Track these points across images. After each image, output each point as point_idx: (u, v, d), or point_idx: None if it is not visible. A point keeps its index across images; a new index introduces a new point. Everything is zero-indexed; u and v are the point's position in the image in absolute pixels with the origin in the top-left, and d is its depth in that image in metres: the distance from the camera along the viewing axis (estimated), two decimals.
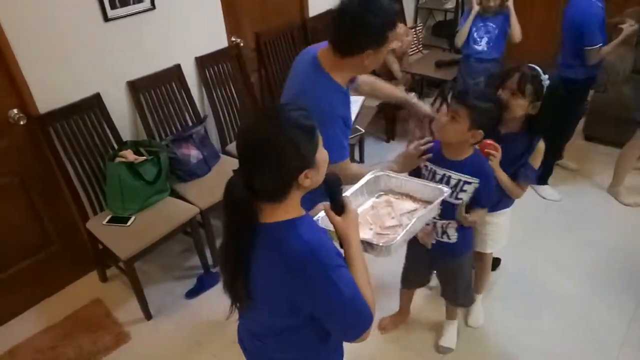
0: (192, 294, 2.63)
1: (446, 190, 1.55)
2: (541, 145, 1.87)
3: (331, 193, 1.18)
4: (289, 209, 1.09)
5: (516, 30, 3.02)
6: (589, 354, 2.19)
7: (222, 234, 1.12)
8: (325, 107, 1.59)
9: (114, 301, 2.61)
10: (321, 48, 1.68)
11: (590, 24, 2.65)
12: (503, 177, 1.88)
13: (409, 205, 1.57)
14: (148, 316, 2.50)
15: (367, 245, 1.34)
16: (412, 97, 2.01)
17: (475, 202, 1.77)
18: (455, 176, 1.74)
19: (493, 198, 1.82)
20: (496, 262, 2.61)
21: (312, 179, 1.07)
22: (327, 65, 1.64)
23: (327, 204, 1.20)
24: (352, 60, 1.59)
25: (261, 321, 1.22)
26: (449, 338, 2.27)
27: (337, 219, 1.16)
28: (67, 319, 2.52)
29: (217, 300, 2.58)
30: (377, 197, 1.64)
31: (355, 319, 1.09)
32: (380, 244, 1.34)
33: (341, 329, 1.13)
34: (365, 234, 1.44)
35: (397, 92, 2.08)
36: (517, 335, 2.30)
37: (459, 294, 2.14)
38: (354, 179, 1.61)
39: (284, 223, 1.07)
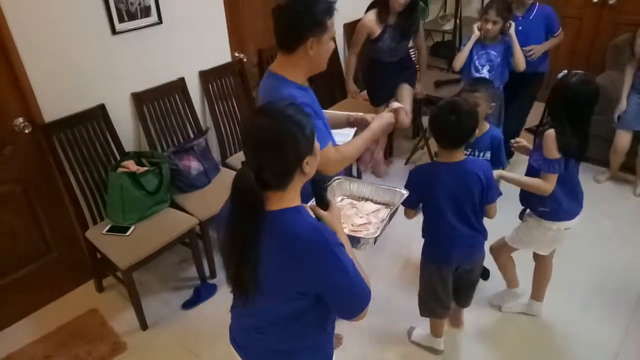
0: (188, 305, 2.63)
1: (405, 192, 1.75)
2: (548, 132, 1.92)
3: (317, 191, 1.30)
4: (292, 197, 1.19)
5: (519, 59, 2.98)
6: None
7: (226, 226, 1.16)
8: (282, 99, 1.65)
9: (110, 311, 2.61)
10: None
11: None
12: (512, 176, 2.09)
13: (371, 206, 1.75)
14: (144, 326, 2.50)
15: (353, 239, 1.50)
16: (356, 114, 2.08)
17: None
18: None
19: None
20: (485, 273, 2.65)
21: (312, 165, 1.19)
22: (278, 69, 1.69)
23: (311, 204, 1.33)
24: (298, 55, 1.63)
25: (263, 312, 1.26)
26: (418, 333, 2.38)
27: (324, 213, 1.27)
28: (62, 328, 2.52)
29: (213, 312, 2.59)
30: (340, 201, 1.79)
31: (358, 296, 1.20)
32: (367, 237, 1.55)
33: (344, 306, 1.22)
34: None
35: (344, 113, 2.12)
36: (508, 348, 2.32)
37: None
38: (344, 161, 1.73)
39: (289, 210, 1.17)
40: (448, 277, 2.07)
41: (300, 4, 1.58)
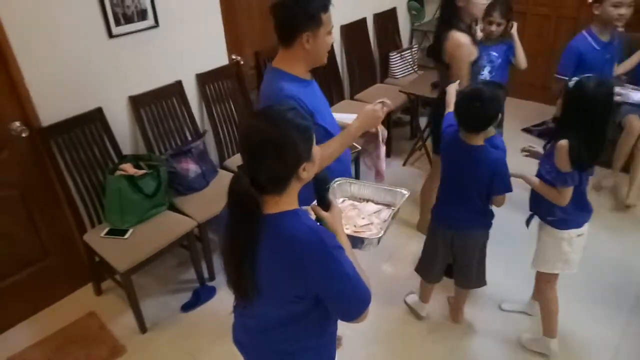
0: (187, 307, 2.63)
1: (405, 192, 1.73)
2: (561, 143, 1.82)
3: (320, 190, 1.29)
4: (289, 201, 1.18)
5: (521, 58, 2.99)
6: None
7: (225, 229, 1.16)
8: (272, 92, 1.70)
9: (109, 314, 2.61)
10: None
11: (566, 53, 2.81)
12: (531, 180, 2.01)
13: (373, 207, 1.74)
14: (143, 329, 2.50)
15: (357, 240, 1.50)
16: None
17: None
18: None
19: None
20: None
21: (309, 171, 1.17)
22: (278, 63, 1.76)
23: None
24: (296, 49, 1.70)
25: (264, 313, 1.27)
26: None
27: (325, 214, 1.27)
28: (61, 331, 2.51)
29: (212, 314, 2.59)
30: (341, 202, 1.78)
31: (358, 297, 1.19)
32: (371, 237, 1.53)
33: (345, 307, 1.21)
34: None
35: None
36: (507, 345, 2.33)
37: None
38: (324, 160, 1.67)
39: (287, 213, 1.16)
40: (438, 242, 2.24)
41: (294, 0, 1.63)
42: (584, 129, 1.81)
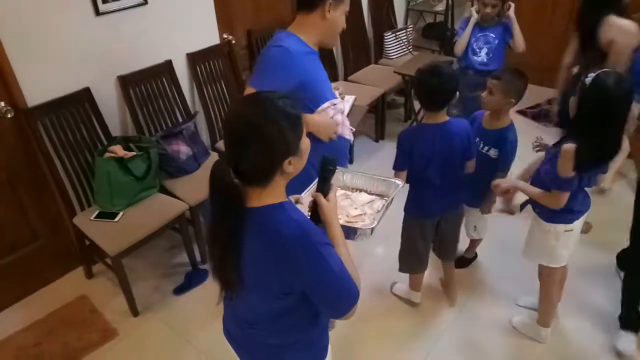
0: (179, 290, 2.62)
1: (399, 183, 1.69)
2: (566, 147, 1.72)
3: (323, 170, 1.23)
4: (275, 194, 1.11)
5: (519, 40, 2.94)
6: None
7: (209, 218, 1.11)
8: (271, 41, 1.73)
9: (100, 298, 2.59)
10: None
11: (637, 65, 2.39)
12: (523, 186, 1.98)
13: (366, 197, 1.70)
14: (135, 313, 2.48)
15: (350, 231, 1.46)
16: None
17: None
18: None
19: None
20: (466, 261, 2.71)
21: (295, 165, 1.10)
22: (292, 29, 1.77)
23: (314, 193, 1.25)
24: (315, 15, 1.72)
25: (252, 307, 1.23)
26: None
27: (323, 202, 1.21)
28: (52, 315, 2.49)
29: (204, 297, 2.58)
30: None
31: (344, 294, 1.14)
32: (364, 228, 1.48)
33: (330, 305, 1.17)
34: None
35: None
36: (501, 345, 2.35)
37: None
38: None
39: (272, 206, 1.10)
40: (429, 231, 2.24)
41: None
42: (598, 129, 1.69)
